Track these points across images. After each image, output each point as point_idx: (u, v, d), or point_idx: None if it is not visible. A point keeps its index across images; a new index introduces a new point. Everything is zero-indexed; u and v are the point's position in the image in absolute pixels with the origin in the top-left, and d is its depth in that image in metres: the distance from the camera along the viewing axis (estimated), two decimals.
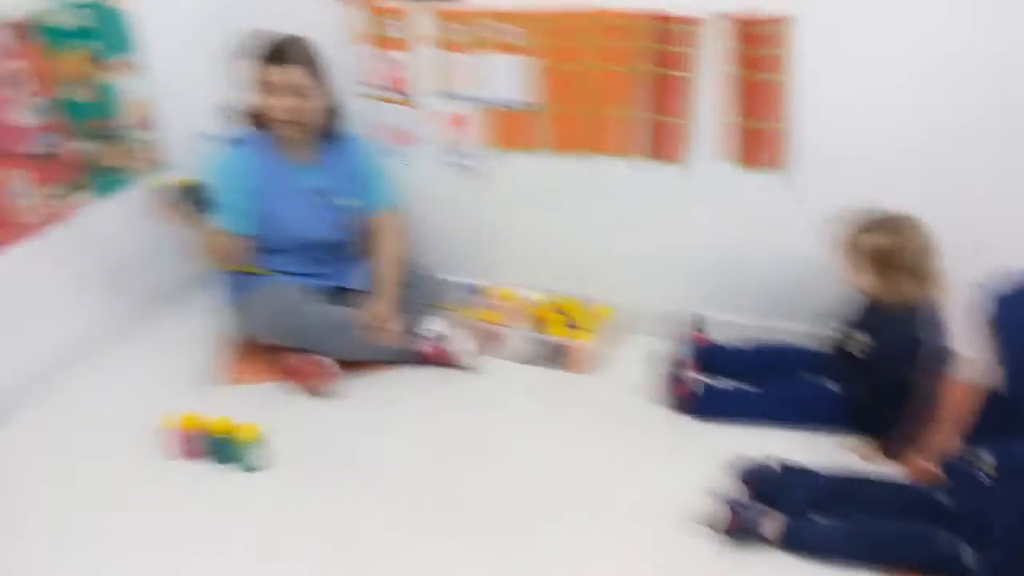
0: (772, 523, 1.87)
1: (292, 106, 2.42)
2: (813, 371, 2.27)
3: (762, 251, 2.51)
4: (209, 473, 2.19)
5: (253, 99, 2.45)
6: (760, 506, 1.91)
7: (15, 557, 1.93)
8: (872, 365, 2.11)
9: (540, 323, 2.63)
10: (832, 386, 2.21)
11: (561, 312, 2.65)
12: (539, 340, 2.59)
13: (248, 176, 2.49)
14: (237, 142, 2.51)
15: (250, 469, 2.19)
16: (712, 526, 1.88)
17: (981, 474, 1.70)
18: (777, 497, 1.94)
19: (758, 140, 2.39)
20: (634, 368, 2.52)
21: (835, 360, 2.23)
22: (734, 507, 1.88)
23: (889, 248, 2.02)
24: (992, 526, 1.64)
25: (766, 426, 2.25)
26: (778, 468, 2.01)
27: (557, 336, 2.56)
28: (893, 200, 2.12)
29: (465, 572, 1.87)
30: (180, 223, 2.29)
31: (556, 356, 2.57)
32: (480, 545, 1.94)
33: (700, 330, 2.47)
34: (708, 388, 2.30)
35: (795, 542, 1.86)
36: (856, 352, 2.15)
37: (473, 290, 2.82)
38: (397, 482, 2.14)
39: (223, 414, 2.20)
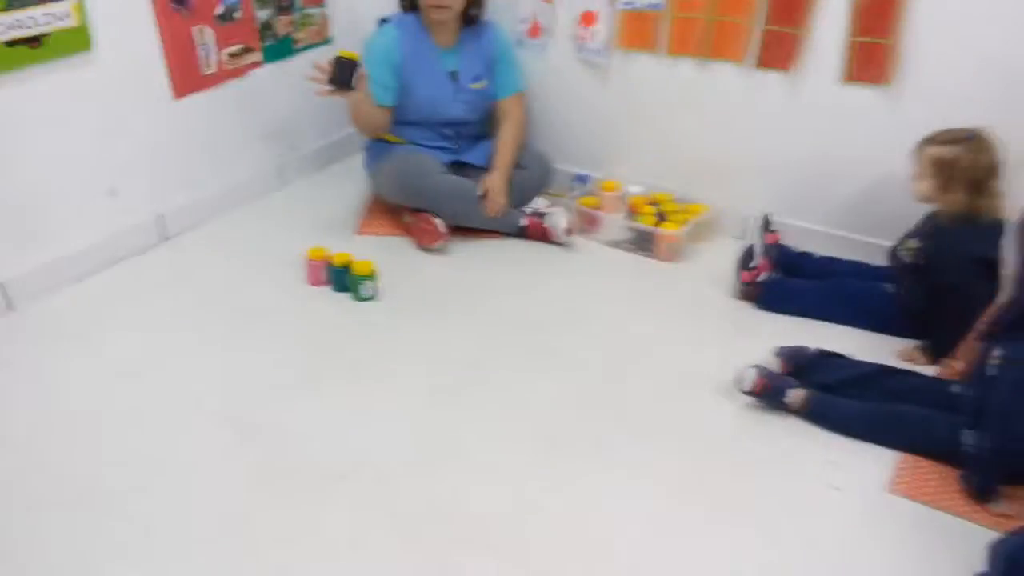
0: (796, 393, 2.04)
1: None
2: (875, 278, 2.38)
3: (853, 164, 2.58)
4: (328, 298, 2.58)
5: None
6: (789, 379, 2.08)
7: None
8: (922, 270, 2.21)
9: (634, 212, 2.83)
10: (889, 288, 2.32)
11: (655, 204, 2.84)
12: (631, 227, 2.80)
13: (396, 54, 2.81)
14: (391, 22, 2.84)
15: (361, 299, 2.56)
16: (740, 385, 2.07)
17: (990, 367, 1.80)
18: (809, 375, 2.10)
19: (868, 55, 2.46)
20: (717, 262, 2.70)
21: (892, 267, 2.33)
22: (762, 373, 2.06)
23: (950, 160, 2.10)
24: (991, 409, 1.75)
25: (825, 322, 2.39)
26: (815, 352, 2.16)
27: (647, 224, 2.76)
28: (986, 121, 2.16)
29: (536, 392, 2.18)
30: (335, 91, 2.63)
31: (645, 243, 2.78)
32: (551, 379, 2.23)
33: (769, 229, 2.59)
34: (772, 279, 2.45)
35: (814, 413, 2.03)
36: (907, 258, 2.24)
37: (581, 179, 3.05)
38: (486, 326, 2.45)
39: (348, 253, 2.58)
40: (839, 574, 1.70)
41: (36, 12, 2.33)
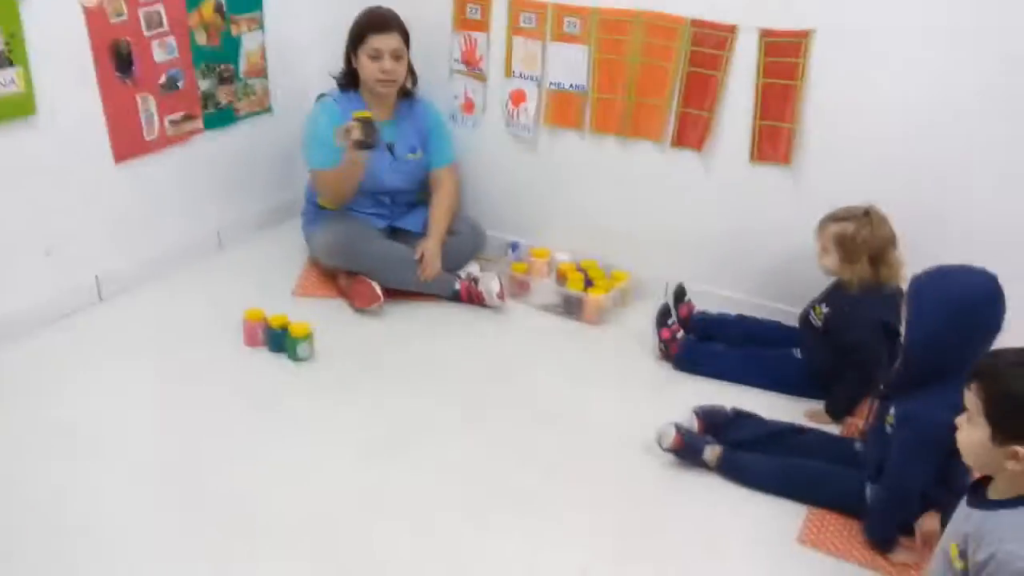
0: (712, 450, 2.19)
1: (390, 68, 2.87)
2: (787, 343, 2.57)
3: (762, 236, 2.80)
4: (265, 358, 2.64)
5: (352, 62, 2.93)
6: (706, 437, 2.23)
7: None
8: (829, 333, 2.41)
9: (562, 278, 2.99)
10: (797, 353, 2.51)
11: (582, 271, 3.00)
12: (559, 292, 2.95)
13: (337, 125, 2.93)
14: (330, 97, 2.98)
15: (297, 359, 2.63)
16: (660, 442, 2.21)
17: (887, 426, 1.98)
18: (724, 433, 2.26)
19: (772, 137, 2.70)
20: (639, 325, 2.85)
21: (801, 330, 2.53)
22: (680, 431, 2.20)
23: (850, 235, 2.32)
24: (887, 465, 1.92)
25: (739, 384, 2.56)
26: (730, 411, 2.32)
27: (575, 290, 2.92)
28: (879, 195, 2.40)
29: (468, 449, 2.29)
30: (363, 148, 2.74)
31: (572, 307, 2.93)
32: (482, 436, 2.34)
33: (683, 300, 2.78)
34: (688, 341, 2.62)
35: (729, 468, 2.18)
36: (816, 322, 2.45)
37: (513, 245, 3.21)
38: (419, 385, 2.55)
39: (284, 314, 2.66)
40: None
41: None
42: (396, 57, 2.89)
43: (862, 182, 2.54)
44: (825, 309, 2.45)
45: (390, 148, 3.01)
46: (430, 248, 2.96)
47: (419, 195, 3.16)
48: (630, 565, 1.94)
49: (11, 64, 2.44)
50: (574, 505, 2.11)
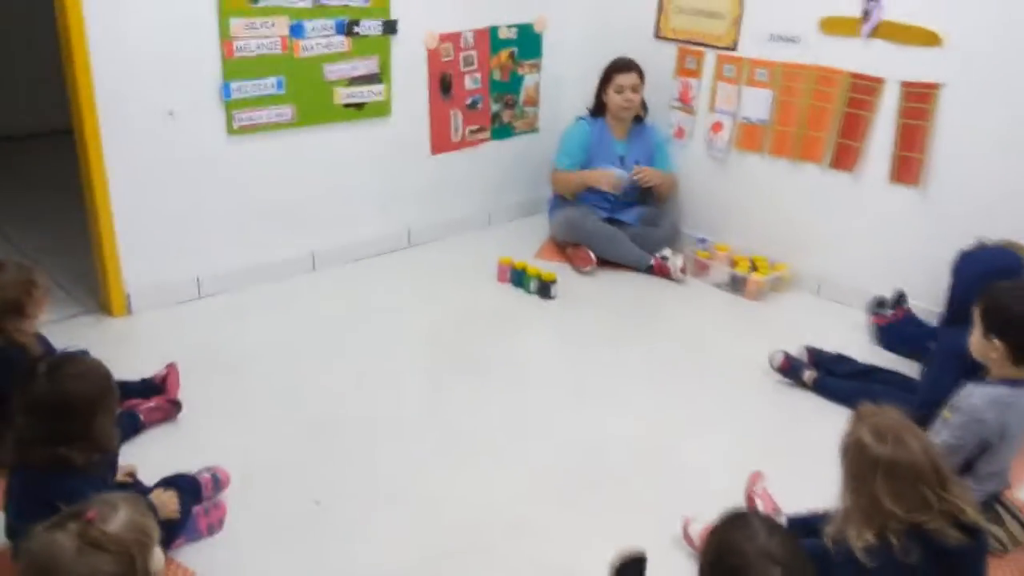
0: (810, 373, 3.03)
1: (630, 98, 4.01)
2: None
3: (895, 240, 3.55)
4: (511, 290, 3.84)
5: (602, 96, 4.10)
6: (805, 363, 3.07)
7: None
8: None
9: (733, 264, 3.91)
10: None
11: (750, 261, 3.90)
12: (729, 272, 3.88)
13: (586, 138, 4.11)
14: (584, 119, 4.17)
15: (530, 292, 3.79)
16: (771, 362, 3.08)
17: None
18: (825, 365, 3.08)
19: (907, 165, 3.47)
20: (788, 306, 3.72)
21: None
22: (787, 357, 3.06)
23: None
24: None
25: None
26: (833, 353, 3.13)
27: (742, 271, 3.83)
28: (992, 219, 3.14)
29: (651, 369, 3.31)
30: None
31: (737, 285, 3.84)
32: (656, 359, 3.37)
33: (902, 304, 3.43)
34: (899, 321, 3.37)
35: (821, 388, 3.00)
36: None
37: (701, 240, 4.17)
38: (613, 318, 3.62)
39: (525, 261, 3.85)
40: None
41: (363, 89, 3.84)
42: (634, 90, 4.02)
43: (980, 205, 3.26)
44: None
45: (621, 159, 4.12)
46: (650, 171, 4.05)
47: (637, 197, 4.23)
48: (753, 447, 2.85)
49: (381, 81, 3.88)
50: (727, 404, 3.03)
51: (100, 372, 2.05)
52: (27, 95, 5.46)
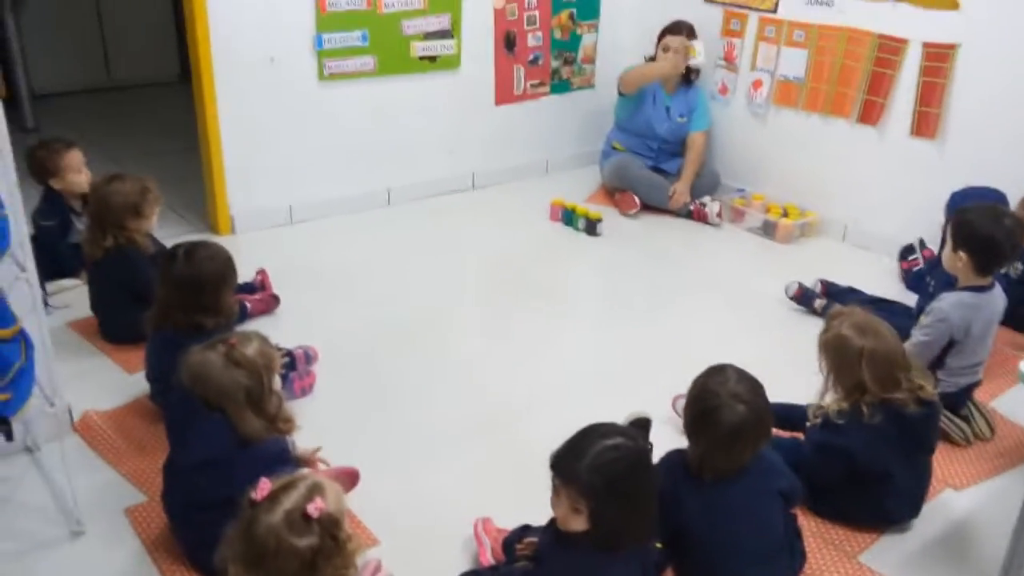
0: (820, 302, 3.42)
1: (679, 59, 4.40)
2: None
3: (915, 189, 3.89)
4: (562, 228, 4.30)
5: (654, 54, 4.49)
6: (817, 293, 3.46)
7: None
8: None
9: (767, 211, 4.29)
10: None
11: (782, 208, 4.28)
12: (761, 218, 4.26)
13: (642, 92, 4.52)
14: None
15: (579, 230, 4.24)
16: (787, 291, 3.48)
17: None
18: (836, 297, 3.46)
19: (926, 120, 3.80)
20: (816, 249, 4.11)
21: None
22: (801, 286, 3.46)
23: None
24: None
25: None
26: (845, 286, 3.51)
27: (773, 216, 4.21)
28: (1008, 168, 3.45)
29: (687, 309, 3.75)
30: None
31: (768, 229, 4.23)
32: (692, 300, 3.80)
33: (924, 247, 3.75)
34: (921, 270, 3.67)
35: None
36: (1013, 275, 3.32)
37: (740, 190, 4.56)
38: (656, 262, 4.06)
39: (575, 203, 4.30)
40: None
41: (436, 43, 4.31)
42: (682, 52, 4.40)
43: (991, 157, 3.58)
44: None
45: (667, 109, 4.52)
46: (681, 189, 4.43)
47: (679, 148, 4.62)
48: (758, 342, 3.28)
49: (452, 36, 4.35)
50: (742, 322, 3.47)
51: (225, 255, 2.60)
52: (142, 47, 6.18)
